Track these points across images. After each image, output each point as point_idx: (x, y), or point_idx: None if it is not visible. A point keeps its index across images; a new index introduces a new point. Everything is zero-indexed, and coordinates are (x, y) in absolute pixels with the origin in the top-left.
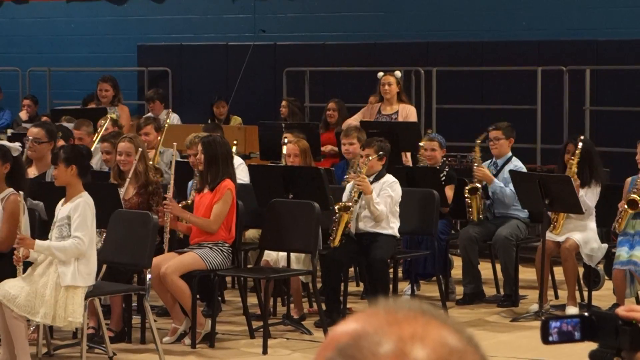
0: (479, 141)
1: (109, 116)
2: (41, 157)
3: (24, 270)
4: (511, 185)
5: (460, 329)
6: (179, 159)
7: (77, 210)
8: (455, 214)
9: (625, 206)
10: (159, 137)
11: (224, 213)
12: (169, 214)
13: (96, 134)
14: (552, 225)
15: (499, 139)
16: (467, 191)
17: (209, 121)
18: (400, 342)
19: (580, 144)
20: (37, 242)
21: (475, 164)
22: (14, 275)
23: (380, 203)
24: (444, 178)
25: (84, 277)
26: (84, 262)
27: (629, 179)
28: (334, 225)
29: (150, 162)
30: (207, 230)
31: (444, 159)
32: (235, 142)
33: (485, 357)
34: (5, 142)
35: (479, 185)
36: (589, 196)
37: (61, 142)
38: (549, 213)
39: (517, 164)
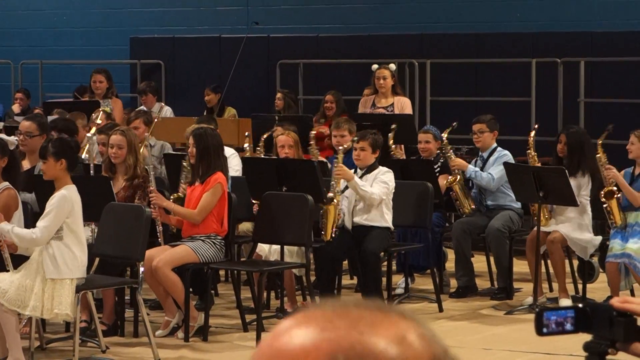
0: (445, 134)
1: (101, 109)
2: (33, 150)
3: (17, 265)
4: (492, 170)
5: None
6: (171, 152)
7: (52, 203)
8: (450, 206)
9: (603, 199)
10: (146, 132)
11: (210, 205)
12: (158, 207)
13: (90, 127)
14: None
15: (482, 131)
16: (448, 182)
17: (205, 113)
18: None
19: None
20: (4, 223)
21: (449, 156)
22: (4, 269)
23: (367, 186)
24: (438, 169)
25: (70, 270)
26: (69, 254)
27: (623, 171)
28: (323, 219)
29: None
30: (191, 222)
31: (439, 151)
32: (246, 134)
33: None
34: (3, 136)
35: (459, 176)
36: (576, 186)
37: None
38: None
39: (502, 152)
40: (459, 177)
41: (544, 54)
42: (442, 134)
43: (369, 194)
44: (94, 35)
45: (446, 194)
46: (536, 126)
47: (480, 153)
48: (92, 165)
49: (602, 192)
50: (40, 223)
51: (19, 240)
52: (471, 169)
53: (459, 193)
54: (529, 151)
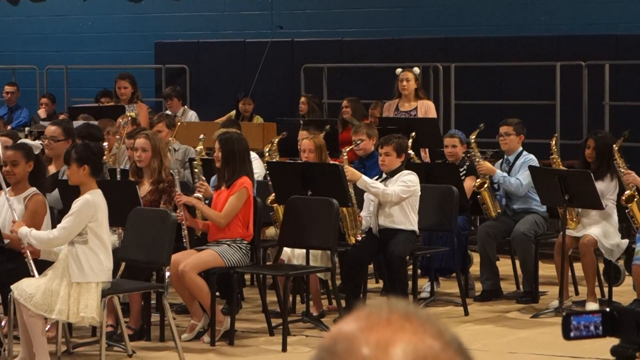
0: (473, 137)
1: (128, 115)
2: (59, 155)
3: (41, 271)
4: (519, 176)
5: (440, 334)
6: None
7: (74, 206)
8: (475, 210)
9: (624, 203)
10: (170, 136)
11: (235, 209)
12: (184, 211)
13: (119, 134)
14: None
15: (509, 134)
16: (475, 187)
17: (235, 116)
18: (366, 349)
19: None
20: (22, 228)
21: (477, 160)
22: (28, 274)
23: (377, 183)
24: (464, 172)
25: (96, 273)
26: (94, 258)
27: None
28: (342, 222)
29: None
30: (216, 224)
31: (464, 154)
32: (272, 141)
33: None
34: (27, 141)
35: (487, 181)
36: (604, 190)
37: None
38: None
39: (528, 157)
40: (487, 182)
41: (568, 57)
42: (470, 137)
43: (381, 191)
44: (118, 40)
45: (472, 198)
46: (556, 135)
47: (505, 156)
48: (118, 170)
49: (623, 197)
50: (59, 225)
51: (37, 242)
52: (499, 174)
53: (487, 197)
54: (552, 156)
